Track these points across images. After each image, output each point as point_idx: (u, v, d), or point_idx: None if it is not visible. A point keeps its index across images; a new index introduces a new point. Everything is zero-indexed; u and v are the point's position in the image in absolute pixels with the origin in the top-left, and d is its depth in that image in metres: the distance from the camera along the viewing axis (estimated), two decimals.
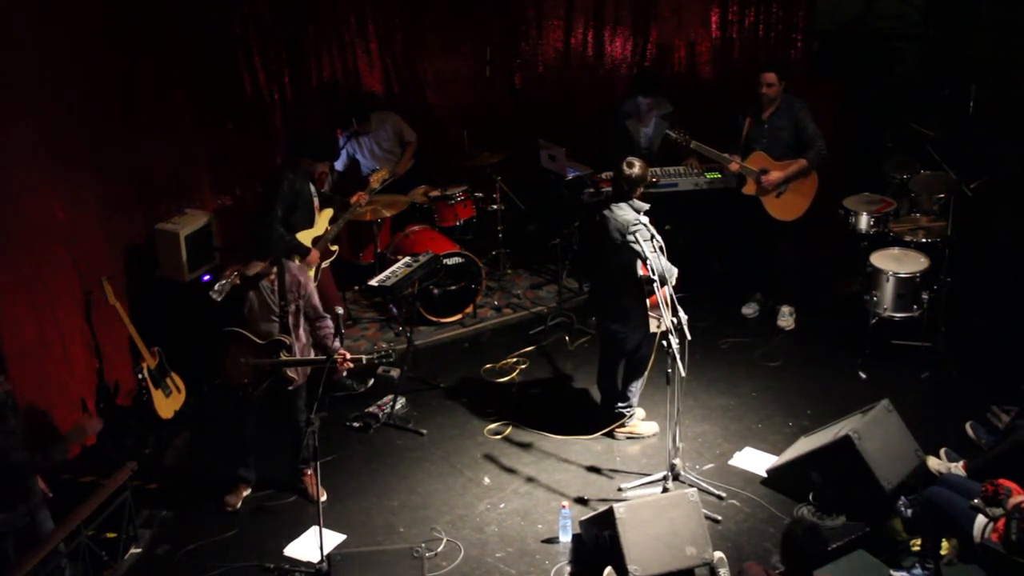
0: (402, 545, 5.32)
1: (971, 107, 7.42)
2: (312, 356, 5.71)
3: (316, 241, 6.62)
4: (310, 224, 6.59)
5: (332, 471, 6.05)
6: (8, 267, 5.68)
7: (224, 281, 5.43)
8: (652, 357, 5.97)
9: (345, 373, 6.90)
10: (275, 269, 5.54)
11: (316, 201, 6.62)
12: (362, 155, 8.14)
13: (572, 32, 9.10)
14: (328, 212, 6.76)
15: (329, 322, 5.70)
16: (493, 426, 6.49)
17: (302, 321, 5.66)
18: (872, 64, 8.34)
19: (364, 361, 5.53)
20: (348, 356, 5.52)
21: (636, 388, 6.21)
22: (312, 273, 6.61)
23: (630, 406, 6.25)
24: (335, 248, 6.83)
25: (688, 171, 7.81)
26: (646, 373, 6.12)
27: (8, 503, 4.69)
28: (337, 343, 5.63)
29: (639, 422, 6.33)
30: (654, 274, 5.45)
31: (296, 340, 5.61)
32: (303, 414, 5.81)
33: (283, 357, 5.53)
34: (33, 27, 5.94)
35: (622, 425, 6.28)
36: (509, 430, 6.45)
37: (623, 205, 5.80)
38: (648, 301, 5.71)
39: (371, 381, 6.93)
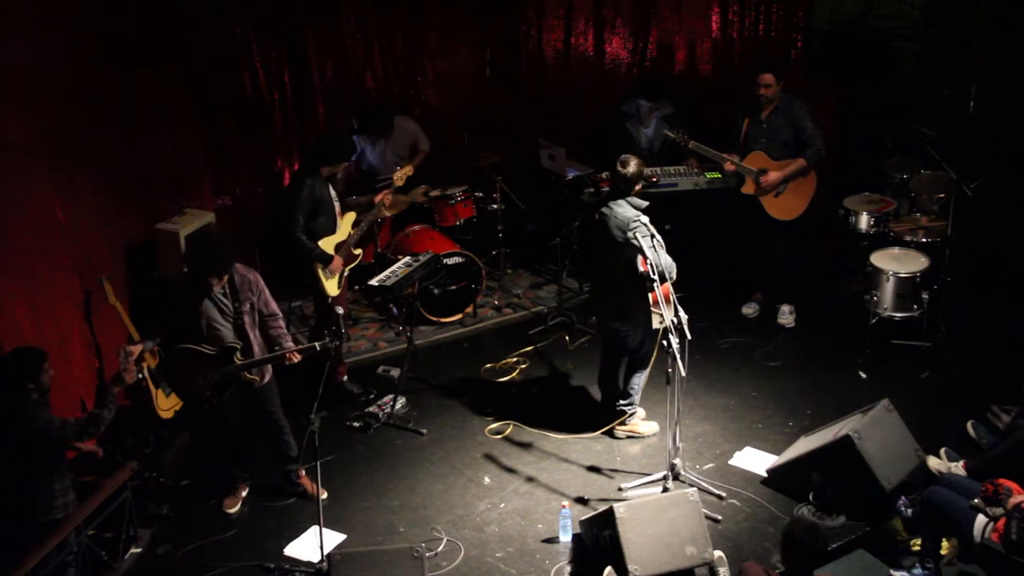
0: (402, 545, 5.32)
1: (971, 107, 7.40)
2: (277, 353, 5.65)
3: (339, 247, 6.58)
4: (333, 230, 6.53)
5: (332, 471, 6.05)
6: (8, 267, 5.68)
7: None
8: (655, 354, 5.97)
9: (345, 378, 6.92)
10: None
11: (337, 206, 6.59)
12: (372, 156, 8.12)
13: (572, 32, 9.10)
14: (351, 216, 6.71)
15: (281, 320, 5.70)
16: (495, 425, 6.49)
17: (257, 320, 5.60)
18: (872, 64, 8.33)
19: (318, 347, 5.50)
20: (296, 348, 5.53)
21: (638, 386, 6.21)
22: (336, 280, 6.57)
23: (632, 403, 6.26)
24: (358, 252, 6.79)
25: (688, 171, 7.82)
26: (648, 370, 6.13)
27: (65, 488, 4.93)
28: (289, 340, 5.65)
29: (640, 421, 6.33)
30: (654, 272, 5.45)
31: (253, 340, 5.56)
32: (280, 413, 5.79)
33: (238, 360, 5.49)
34: (33, 27, 5.93)
35: (623, 423, 6.28)
36: (510, 429, 6.45)
37: (622, 203, 5.82)
38: (650, 297, 5.71)
39: (373, 393, 6.92)
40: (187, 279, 5.55)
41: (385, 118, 8.00)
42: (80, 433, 4.95)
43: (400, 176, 7.25)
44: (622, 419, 6.27)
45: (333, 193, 6.52)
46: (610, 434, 6.31)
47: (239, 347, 5.48)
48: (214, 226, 7.13)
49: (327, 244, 6.48)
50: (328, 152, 6.46)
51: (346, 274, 6.72)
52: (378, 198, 6.97)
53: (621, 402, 6.24)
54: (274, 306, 5.69)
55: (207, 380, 5.47)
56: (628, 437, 6.30)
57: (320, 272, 6.47)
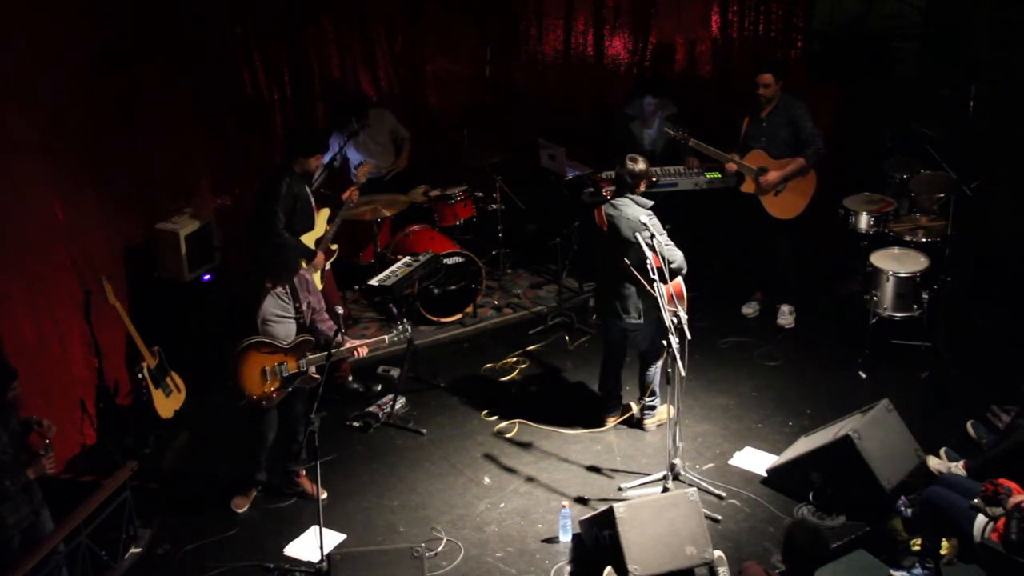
0: (402, 545, 5.32)
1: (971, 107, 7.41)
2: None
3: (318, 243, 6.61)
4: (310, 227, 6.57)
5: (332, 471, 6.05)
6: (8, 267, 5.68)
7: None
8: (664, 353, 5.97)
9: (350, 378, 6.93)
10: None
11: (313, 202, 6.62)
12: (357, 151, 8.12)
13: (572, 32, 9.10)
14: (325, 212, 6.75)
15: (326, 317, 5.76)
16: (503, 425, 6.49)
17: (310, 319, 5.70)
18: (872, 64, 8.33)
19: (387, 341, 5.58)
20: (363, 342, 5.63)
21: (657, 378, 6.24)
22: (318, 276, 6.61)
23: (656, 396, 6.30)
24: (335, 247, 6.84)
25: (688, 171, 7.81)
26: (660, 361, 6.16)
27: (15, 504, 4.72)
28: (342, 336, 5.68)
29: (660, 408, 6.37)
30: (654, 272, 5.45)
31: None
32: (302, 414, 5.80)
33: (309, 356, 5.57)
34: (33, 27, 5.94)
35: (651, 416, 6.35)
36: (516, 429, 6.45)
37: (627, 202, 5.86)
38: (663, 293, 5.71)
39: (380, 386, 6.93)
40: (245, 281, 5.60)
41: (361, 108, 7.99)
42: None
43: (362, 172, 7.28)
44: (652, 412, 6.35)
45: (308, 190, 6.56)
46: (640, 426, 6.36)
47: (313, 342, 5.56)
48: (193, 235, 7.08)
49: (307, 240, 6.53)
50: (301, 148, 6.50)
51: (327, 268, 6.74)
52: (345, 195, 6.98)
53: (647, 400, 6.31)
54: (323, 302, 5.80)
55: (275, 375, 5.50)
56: (658, 426, 6.33)
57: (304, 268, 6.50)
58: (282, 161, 6.85)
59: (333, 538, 5.50)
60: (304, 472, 5.90)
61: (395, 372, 7.02)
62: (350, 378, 6.96)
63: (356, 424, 6.58)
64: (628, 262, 5.85)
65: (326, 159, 7.96)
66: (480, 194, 8.22)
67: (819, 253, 7.91)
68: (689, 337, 5.37)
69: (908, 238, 6.95)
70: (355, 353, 5.67)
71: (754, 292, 7.77)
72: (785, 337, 7.40)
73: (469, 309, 7.89)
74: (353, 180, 7.78)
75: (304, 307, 5.63)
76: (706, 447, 6.20)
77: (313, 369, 5.63)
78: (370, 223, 7.64)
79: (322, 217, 6.70)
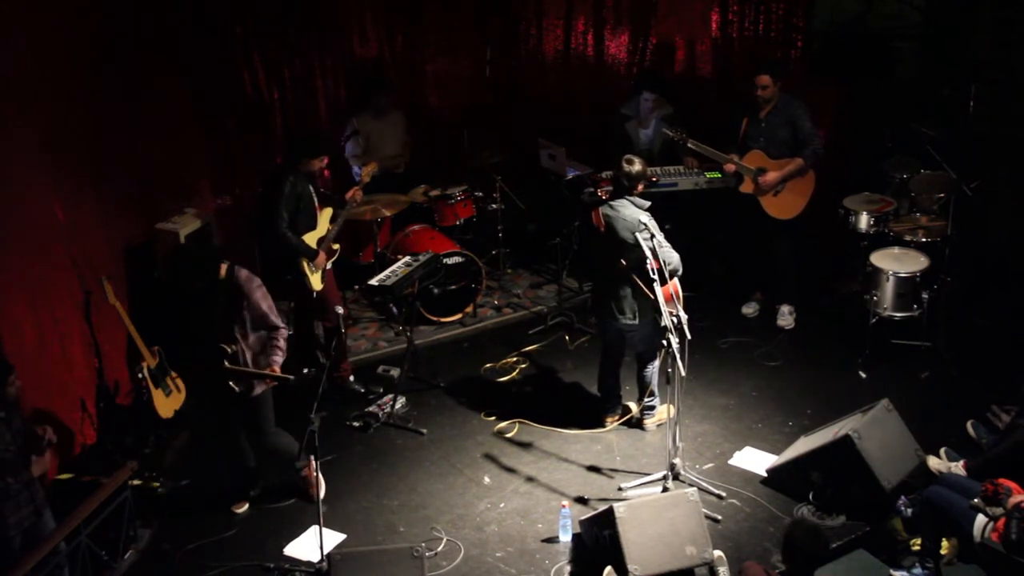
0: (402, 544, 5.31)
1: (971, 107, 7.41)
2: (263, 368, 5.53)
3: (320, 242, 6.62)
4: (313, 226, 6.58)
5: (332, 471, 6.05)
6: (8, 267, 5.68)
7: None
8: (661, 353, 5.97)
9: (351, 378, 6.93)
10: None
11: (316, 201, 6.63)
12: (370, 143, 8.13)
13: (572, 32, 9.11)
14: (328, 211, 6.76)
15: (280, 335, 5.54)
16: (502, 425, 6.49)
17: (250, 331, 5.49)
18: (872, 64, 8.33)
19: (292, 380, 5.47)
20: (271, 374, 5.42)
21: (655, 378, 6.25)
22: (319, 276, 6.61)
23: (655, 396, 6.31)
24: (336, 247, 6.84)
25: (688, 171, 7.82)
26: (657, 361, 6.17)
27: (16, 503, 4.72)
28: (277, 357, 5.49)
29: (660, 408, 6.38)
30: (654, 272, 5.45)
31: (247, 349, 5.47)
32: (266, 429, 5.68)
33: (227, 366, 5.41)
34: (33, 27, 5.93)
35: (651, 416, 6.36)
36: (516, 429, 6.45)
37: (625, 203, 5.85)
38: (659, 294, 5.72)
39: (380, 389, 6.93)
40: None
41: (382, 91, 8.07)
42: None
43: (367, 172, 7.31)
44: (652, 413, 6.36)
45: (311, 189, 6.56)
46: (640, 426, 6.37)
47: (229, 352, 5.42)
48: (192, 236, 7.05)
49: (309, 240, 6.54)
50: (306, 148, 6.50)
51: (328, 267, 6.75)
52: (349, 195, 6.99)
53: (647, 400, 6.32)
54: (272, 319, 5.52)
55: (202, 374, 5.45)
56: (658, 426, 6.34)
57: (306, 267, 6.50)
58: (284, 160, 6.85)
59: (333, 538, 5.50)
60: (312, 460, 5.77)
61: (395, 372, 7.02)
62: (351, 378, 6.96)
63: (356, 424, 6.58)
64: (624, 263, 5.85)
65: (348, 148, 7.99)
66: (480, 194, 8.23)
67: (819, 253, 7.92)
68: (689, 337, 5.38)
69: (908, 238, 6.95)
70: (265, 383, 5.51)
71: (754, 292, 7.78)
72: (785, 337, 7.40)
73: (469, 309, 7.89)
74: (356, 180, 7.80)
75: (235, 316, 5.42)
76: (706, 447, 6.20)
77: (233, 381, 5.48)
78: (370, 223, 7.64)
79: (325, 216, 6.70)
